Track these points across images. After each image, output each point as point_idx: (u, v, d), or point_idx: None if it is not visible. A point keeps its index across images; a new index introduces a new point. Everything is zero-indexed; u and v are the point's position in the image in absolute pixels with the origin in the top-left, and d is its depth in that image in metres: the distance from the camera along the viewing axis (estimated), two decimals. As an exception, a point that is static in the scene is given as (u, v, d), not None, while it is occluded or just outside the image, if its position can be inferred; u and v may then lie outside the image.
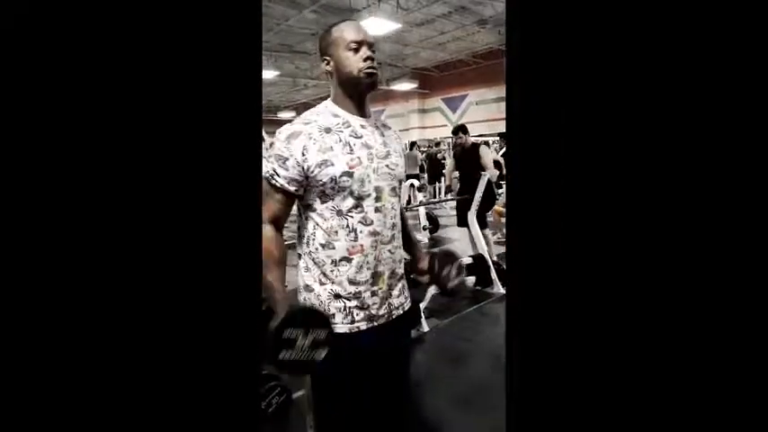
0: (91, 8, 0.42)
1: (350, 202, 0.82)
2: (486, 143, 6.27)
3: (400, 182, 0.92)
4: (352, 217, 0.82)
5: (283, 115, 13.53)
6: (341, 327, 0.83)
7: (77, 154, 0.42)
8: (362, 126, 0.87)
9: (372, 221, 0.84)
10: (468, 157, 3.20)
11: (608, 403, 0.42)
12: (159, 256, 0.44)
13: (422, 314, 2.26)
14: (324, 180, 0.80)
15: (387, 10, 5.72)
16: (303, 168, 0.80)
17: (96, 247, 0.43)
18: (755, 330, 0.38)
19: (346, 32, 0.85)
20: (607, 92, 0.42)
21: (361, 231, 0.83)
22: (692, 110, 0.40)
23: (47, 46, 0.41)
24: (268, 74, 8.52)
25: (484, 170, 2.96)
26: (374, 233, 0.84)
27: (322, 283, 0.84)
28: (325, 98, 0.91)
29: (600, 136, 0.43)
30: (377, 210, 0.85)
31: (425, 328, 2.26)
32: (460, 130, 3.29)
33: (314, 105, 0.92)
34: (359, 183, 0.82)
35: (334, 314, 0.84)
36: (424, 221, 4.30)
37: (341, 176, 0.81)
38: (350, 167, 0.82)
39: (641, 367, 0.41)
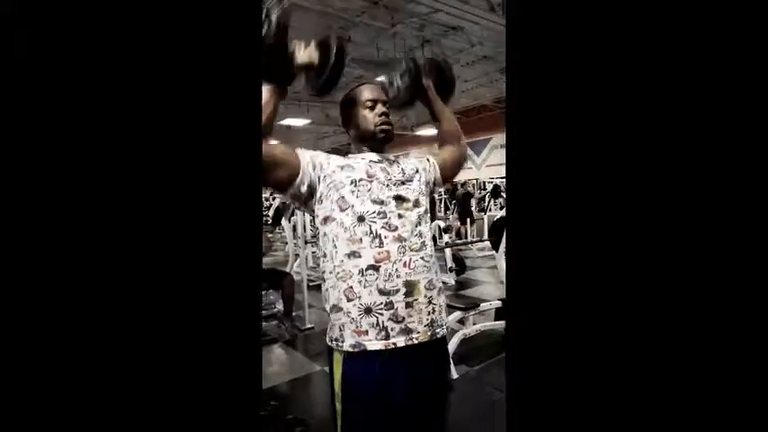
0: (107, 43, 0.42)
1: (370, 205, 0.83)
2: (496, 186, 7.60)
3: (426, 196, 0.94)
4: (374, 222, 0.82)
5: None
6: (375, 343, 0.80)
7: (79, 156, 0.42)
8: (379, 159, 0.93)
9: (396, 227, 0.83)
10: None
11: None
12: (157, 273, 0.44)
13: (450, 360, 2.20)
14: (345, 182, 0.84)
15: (413, 61, 6.02)
16: (323, 165, 0.86)
17: (93, 251, 0.42)
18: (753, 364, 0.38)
19: (363, 92, 0.94)
20: (608, 117, 0.42)
21: (385, 237, 0.82)
22: (694, 140, 0.39)
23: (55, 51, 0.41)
24: (299, 121, 9.01)
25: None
26: (400, 239, 0.83)
27: (350, 299, 0.81)
28: (345, 146, 1.02)
29: (601, 168, 0.43)
30: (400, 216, 0.85)
31: (454, 374, 2.13)
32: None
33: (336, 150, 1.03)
34: (378, 189, 0.86)
35: (367, 330, 0.80)
36: (450, 263, 4.25)
37: (360, 181, 0.85)
38: (368, 176, 0.87)
39: (643, 402, 0.41)
